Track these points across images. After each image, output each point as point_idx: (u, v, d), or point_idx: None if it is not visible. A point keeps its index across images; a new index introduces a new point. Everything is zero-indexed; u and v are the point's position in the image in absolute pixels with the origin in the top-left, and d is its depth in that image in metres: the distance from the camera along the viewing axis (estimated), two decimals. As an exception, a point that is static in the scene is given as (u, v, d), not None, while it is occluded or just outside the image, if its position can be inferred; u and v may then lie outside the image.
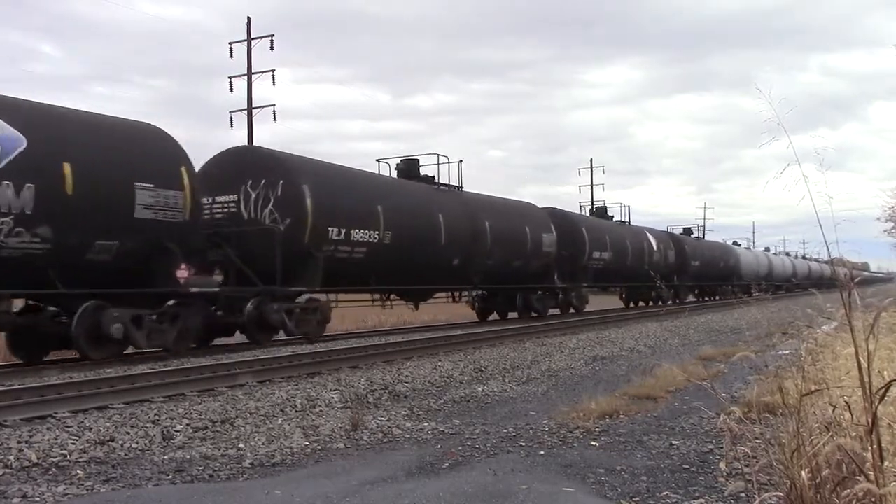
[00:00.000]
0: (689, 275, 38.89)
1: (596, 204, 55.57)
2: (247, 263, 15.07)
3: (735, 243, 63.90)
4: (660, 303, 37.07)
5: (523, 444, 6.29)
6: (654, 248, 34.59)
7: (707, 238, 52.45)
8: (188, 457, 6.08)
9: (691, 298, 43.91)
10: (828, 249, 3.48)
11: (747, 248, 62.49)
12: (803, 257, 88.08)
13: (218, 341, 15.66)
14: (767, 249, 76.22)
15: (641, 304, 37.88)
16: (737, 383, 8.80)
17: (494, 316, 25.56)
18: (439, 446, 6.32)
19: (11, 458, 5.82)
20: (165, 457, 6.13)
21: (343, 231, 16.52)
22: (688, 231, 46.19)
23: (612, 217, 35.09)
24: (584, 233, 27.94)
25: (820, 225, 3.35)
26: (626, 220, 35.81)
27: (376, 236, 17.49)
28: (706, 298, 46.62)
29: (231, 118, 33.06)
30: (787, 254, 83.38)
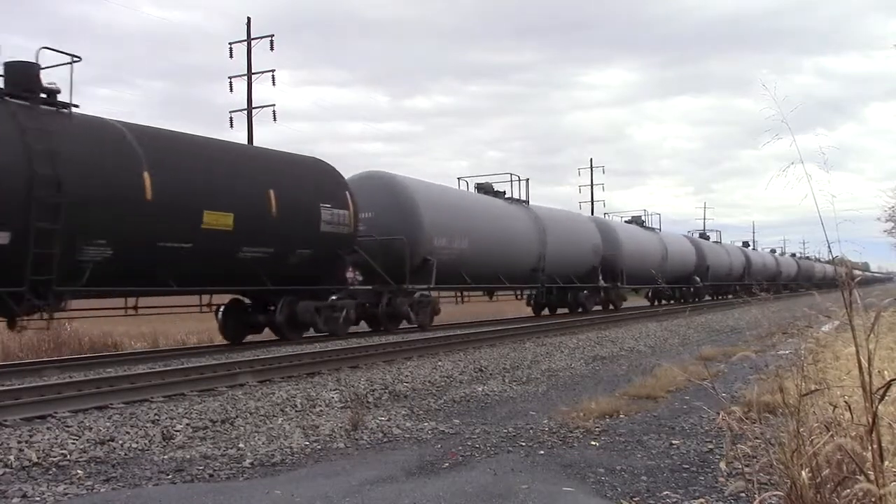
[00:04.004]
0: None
1: (596, 204, 56.17)
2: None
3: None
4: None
5: (523, 443, 6.29)
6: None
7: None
8: (188, 456, 6.08)
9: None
10: (829, 248, 3.48)
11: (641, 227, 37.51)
12: (756, 247, 66.23)
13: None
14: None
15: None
16: (737, 383, 8.78)
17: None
18: (439, 446, 6.32)
19: (12, 457, 5.82)
20: (165, 456, 6.13)
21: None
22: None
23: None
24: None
25: (822, 224, 3.35)
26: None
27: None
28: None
29: (231, 118, 33.06)
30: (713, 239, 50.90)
